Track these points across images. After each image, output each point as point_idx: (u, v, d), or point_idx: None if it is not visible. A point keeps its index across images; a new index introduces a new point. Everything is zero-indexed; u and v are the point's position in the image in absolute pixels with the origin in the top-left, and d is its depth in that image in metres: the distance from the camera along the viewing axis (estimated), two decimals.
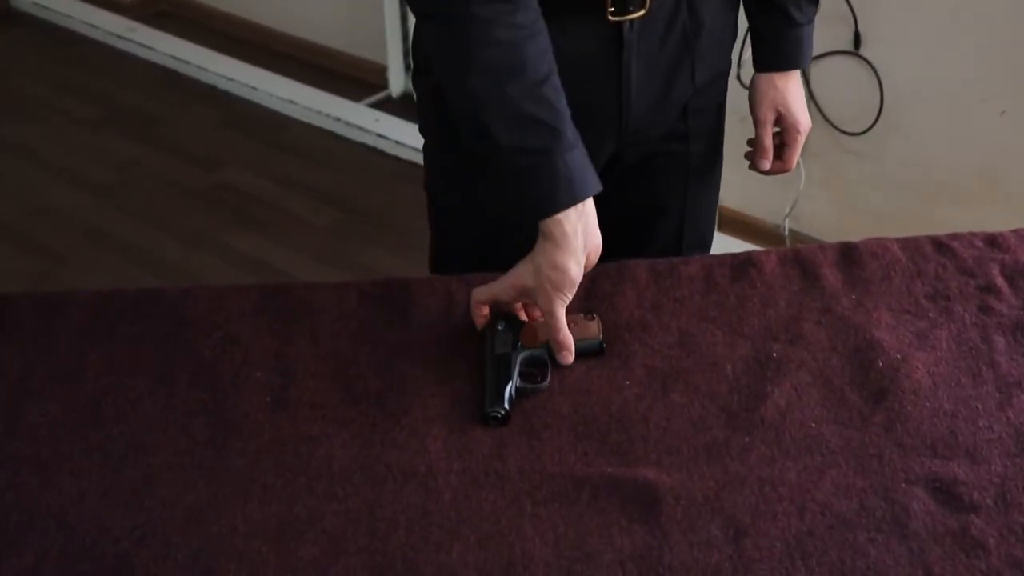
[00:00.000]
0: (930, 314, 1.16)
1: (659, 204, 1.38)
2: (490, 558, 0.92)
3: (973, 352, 1.11)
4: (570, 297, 1.07)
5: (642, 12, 1.17)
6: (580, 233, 1.05)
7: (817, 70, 2.28)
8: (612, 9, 1.16)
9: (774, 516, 0.95)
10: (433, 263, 1.39)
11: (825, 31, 2.21)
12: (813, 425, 1.04)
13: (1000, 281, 1.19)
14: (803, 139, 1.36)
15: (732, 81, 2.27)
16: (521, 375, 1.07)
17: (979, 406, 1.05)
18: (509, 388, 1.05)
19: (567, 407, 1.06)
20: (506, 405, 1.04)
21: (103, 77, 3.36)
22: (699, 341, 1.13)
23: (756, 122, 1.38)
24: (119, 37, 3.48)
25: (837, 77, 2.26)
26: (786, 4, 1.32)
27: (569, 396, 1.08)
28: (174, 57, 3.35)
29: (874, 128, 2.24)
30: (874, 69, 2.20)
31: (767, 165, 1.39)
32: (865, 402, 1.06)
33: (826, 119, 2.31)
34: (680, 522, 0.95)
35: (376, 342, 1.14)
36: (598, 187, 1.07)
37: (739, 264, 1.22)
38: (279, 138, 3.03)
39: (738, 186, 2.54)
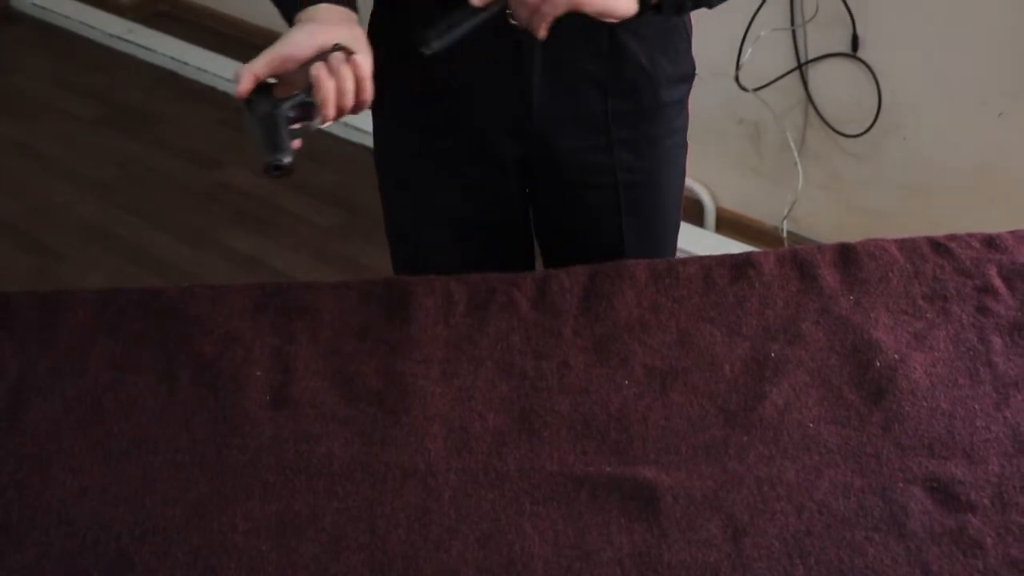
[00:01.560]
0: (928, 314, 1.16)
1: (592, 240, 1.34)
2: (490, 556, 0.93)
3: (971, 352, 1.12)
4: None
5: None
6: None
7: (815, 72, 2.29)
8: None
9: (772, 515, 0.96)
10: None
11: (823, 33, 2.23)
12: (811, 425, 1.04)
13: (998, 282, 1.20)
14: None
15: (730, 83, 2.30)
16: (289, 121, 1.00)
17: (976, 406, 1.06)
18: (279, 133, 0.98)
19: (566, 406, 1.07)
20: (285, 150, 0.97)
21: (102, 77, 3.36)
22: (698, 341, 1.14)
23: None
24: (118, 38, 3.48)
25: (835, 79, 2.27)
26: None
27: (568, 395, 1.08)
28: (173, 58, 3.35)
29: (872, 130, 2.25)
30: (872, 71, 2.20)
31: None
32: (863, 402, 1.06)
33: (824, 121, 2.31)
34: (679, 521, 0.95)
35: (376, 341, 1.15)
36: None
37: (738, 264, 1.23)
38: None
39: (736, 188, 2.55)
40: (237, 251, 2.59)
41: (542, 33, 1.06)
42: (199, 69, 3.30)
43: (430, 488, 0.99)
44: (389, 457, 1.02)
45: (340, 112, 1.02)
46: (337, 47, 1.02)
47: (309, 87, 1.01)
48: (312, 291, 1.22)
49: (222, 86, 3.25)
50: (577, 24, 1.16)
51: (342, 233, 2.64)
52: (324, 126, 1.03)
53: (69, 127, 3.12)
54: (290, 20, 1.10)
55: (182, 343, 1.15)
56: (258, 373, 1.11)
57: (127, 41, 3.46)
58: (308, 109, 1.01)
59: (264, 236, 2.64)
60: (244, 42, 3.39)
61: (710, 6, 1.16)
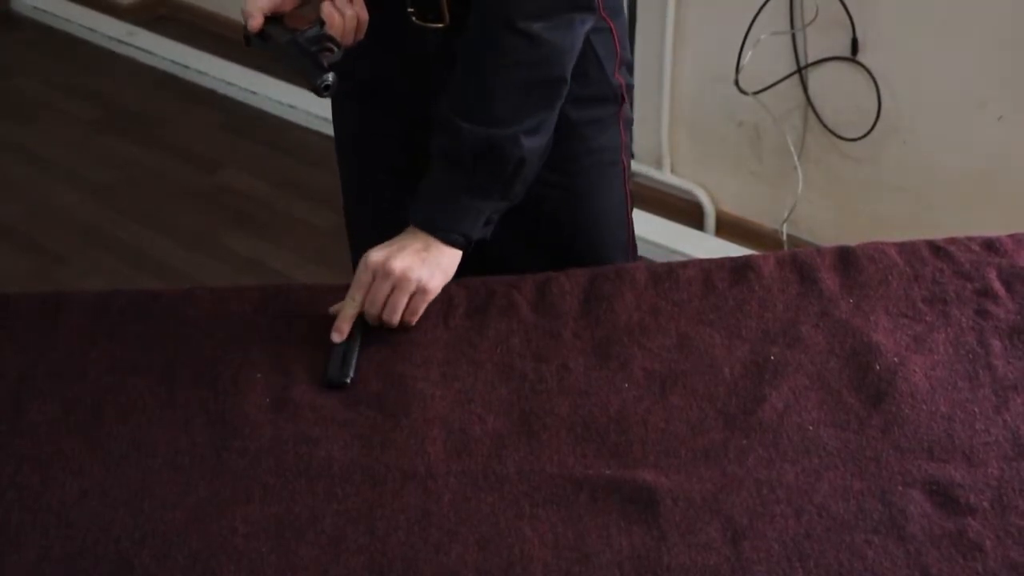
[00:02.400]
0: (927, 318, 1.16)
1: (507, 256, 1.30)
2: (489, 559, 0.93)
3: (970, 355, 1.12)
4: None
5: (441, 24, 1.17)
6: None
7: (815, 76, 2.29)
8: (411, 11, 1.18)
9: (772, 518, 0.96)
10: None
11: (823, 37, 2.23)
12: (811, 428, 1.04)
13: (997, 285, 1.20)
14: (367, 275, 1.15)
15: (730, 87, 2.30)
16: (319, 53, 1.11)
17: (976, 409, 1.06)
18: (315, 56, 1.10)
19: (566, 409, 1.07)
20: (327, 68, 1.09)
21: (103, 80, 3.36)
22: (698, 344, 1.14)
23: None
24: (119, 41, 3.48)
25: (835, 83, 2.27)
26: (431, 146, 1.17)
27: (568, 397, 1.08)
28: (174, 61, 3.36)
29: (872, 133, 2.25)
30: (871, 75, 2.20)
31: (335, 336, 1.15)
32: (863, 405, 1.06)
33: (824, 124, 2.31)
34: (678, 524, 0.95)
35: (375, 343, 1.15)
36: None
37: (737, 267, 1.23)
38: (279, 141, 3.04)
39: (736, 191, 2.55)
40: (237, 253, 2.59)
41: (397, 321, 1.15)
42: (200, 72, 3.30)
43: (430, 491, 0.99)
44: (389, 460, 1.02)
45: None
46: None
47: (321, 21, 1.12)
48: (312, 293, 1.22)
49: (222, 89, 3.25)
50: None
51: (341, 235, 2.64)
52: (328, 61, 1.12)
53: (69, 129, 3.12)
54: None
55: (182, 345, 1.15)
56: (258, 376, 1.11)
57: (127, 44, 3.46)
58: (324, 40, 1.11)
59: (264, 238, 2.64)
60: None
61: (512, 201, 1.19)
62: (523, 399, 1.08)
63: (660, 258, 2.27)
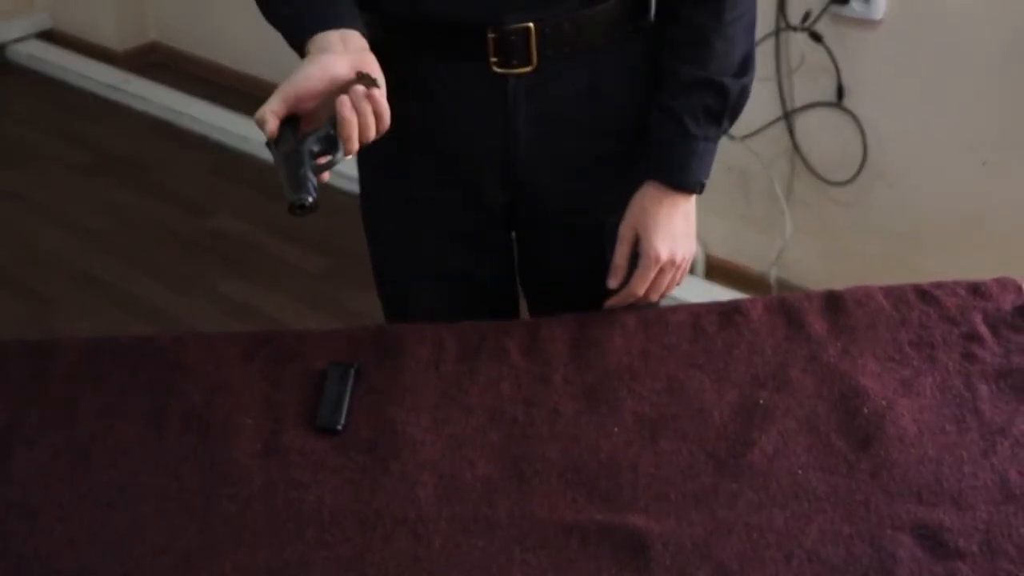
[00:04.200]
0: (914, 362, 1.17)
1: (577, 283, 1.33)
2: None
3: (957, 399, 1.12)
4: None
5: (528, 68, 1.18)
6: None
7: (801, 121, 2.32)
8: (495, 59, 1.17)
9: (762, 563, 0.96)
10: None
11: (809, 83, 2.26)
12: (800, 472, 1.04)
13: (983, 329, 1.21)
14: (655, 271, 1.23)
15: None
16: (314, 155, 1.00)
17: (964, 453, 1.06)
18: (302, 171, 0.98)
19: (556, 453, 1.07)
20: (310, 190, 0.97)
21: (96, 126, 3.38)
22: (687, 388, 1.14)
23: (617, 236, 1.28)
24: (113, 88, 3.51)
25: (821, 128, 2.29)
26: (681, 111, 1.21)
27: (558, 442, 1.08)
28: (167, 107, 3.38)
29: (858, 178, 2.27)
30: (857, 120, 2.23)
31: (613, 283, 1.26)
32: (851, 449, 1.07)
33: (811, 169, 2.34)
34: (669, 569, 0.95)
35: (366, 389, 1.15)
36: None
37: (726, 312, 1.24)
38: (270, 186, 3.04)
39: (725, 234, 2.57)
40: (228, 298, 2.59)
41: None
42: (192, 118, 3.32)
43: (420, 536, 0.99)
44: (379, 505, 1.02)
45: (362, 144, 1.02)
46: (360, 76, 1.02)
47: (333, 119, 1.01)
48: (302, 339, 1.22)
49: (214, 135, 3.27)
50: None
51: (332, 280, 2.65)
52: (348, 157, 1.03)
53: (62, 175, 3.14)
54: (298, 47, 1.07)
55: (172, 391, 1.15)
56: (248, 421, 1.11)
57: (121, 91, 3.49)
58: (333, 141, 1.01)
59: (254, 283, 2.65)
60: (237, 91, 3.42)
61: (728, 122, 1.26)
62: (514, 444, 1.08)
63: None
